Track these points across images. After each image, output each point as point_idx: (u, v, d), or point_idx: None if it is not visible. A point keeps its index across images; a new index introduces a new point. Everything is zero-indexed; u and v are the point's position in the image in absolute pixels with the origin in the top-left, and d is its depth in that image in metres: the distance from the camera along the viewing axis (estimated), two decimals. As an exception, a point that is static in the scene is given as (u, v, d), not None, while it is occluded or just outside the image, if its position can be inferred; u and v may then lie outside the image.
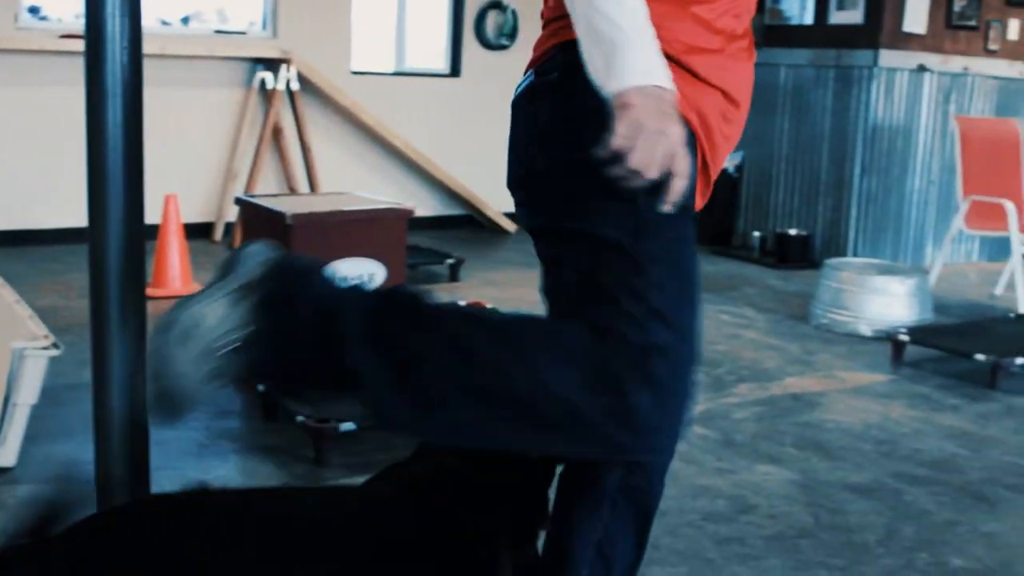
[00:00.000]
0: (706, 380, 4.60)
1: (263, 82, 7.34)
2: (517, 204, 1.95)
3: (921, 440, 3.99)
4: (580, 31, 1.65)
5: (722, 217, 8.06)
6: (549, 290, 1.92)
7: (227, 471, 3.39)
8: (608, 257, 1.74)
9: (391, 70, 8.24)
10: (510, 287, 6.28)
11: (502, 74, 8.41)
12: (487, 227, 8.36)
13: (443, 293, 5.97)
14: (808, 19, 7.63)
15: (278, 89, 7.27)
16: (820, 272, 5.76)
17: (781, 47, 7.74)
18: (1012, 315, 5.75)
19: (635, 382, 1.73)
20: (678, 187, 1.62)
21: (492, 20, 8.35)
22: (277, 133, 7.40)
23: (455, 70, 8.38)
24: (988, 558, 3.04)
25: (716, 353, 5.03)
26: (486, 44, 8.36)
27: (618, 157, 1.58)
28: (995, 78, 7.88)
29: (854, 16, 7.32)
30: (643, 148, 1.57)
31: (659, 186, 1.62)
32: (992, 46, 7.84)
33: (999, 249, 7.90)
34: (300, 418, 3.48)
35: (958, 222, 6.52)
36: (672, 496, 3.32)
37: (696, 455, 3.71)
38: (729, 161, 7.90)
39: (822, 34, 7.53)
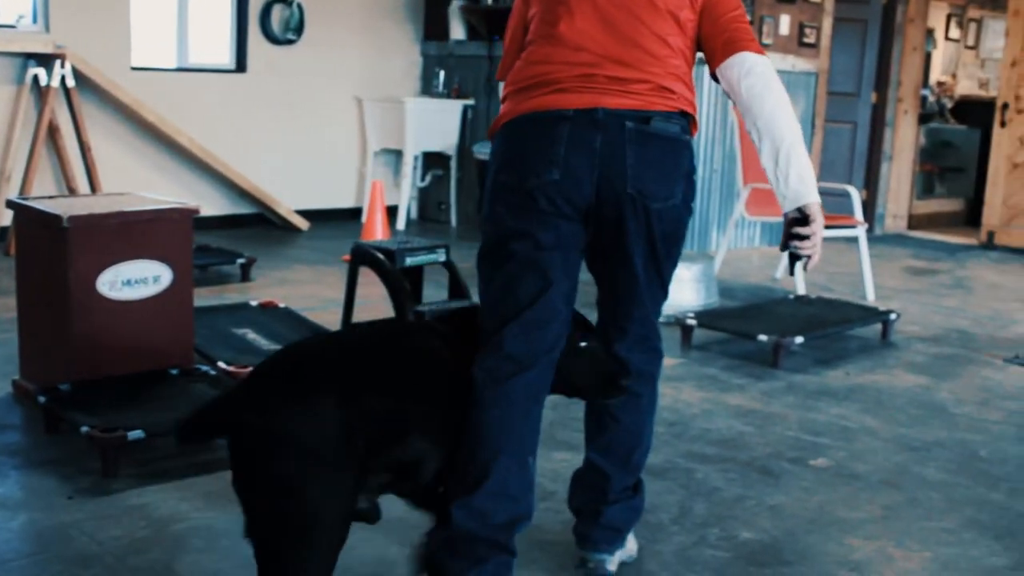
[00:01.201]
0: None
1: (36, 78, 7.00)
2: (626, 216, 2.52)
3: (710, 420, 4.13)
4: (789, 165, 2.47)
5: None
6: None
7: (7, 488, 3.21)
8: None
9: (173, 66, 7.98)
10: (303, 285, 6.18)
11: (289, 69, 8.28)
12: (279, 225, 8.21)
13: (234, 294, 5.83)
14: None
15: (52, 86, 6.94)
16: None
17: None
18: (791, 297, 6.02)
19: None
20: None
21: (278, 14, 8.19)
22: (54, 132, 7.07)
23: (240, 66, 8.19)
24: (774, 529, 3.17)
25: (512, 344, 5.07)
26: (272, 39, 8.20)
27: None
28: (769, 70, 8.19)
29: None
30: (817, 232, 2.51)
31: None
32: (766, 40, 8.17)
33: (779, 234, 8.25)
34: (85, 428, 3.33)
35: (739, 209, 6.78)
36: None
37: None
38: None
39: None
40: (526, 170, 2.48)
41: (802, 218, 2.50)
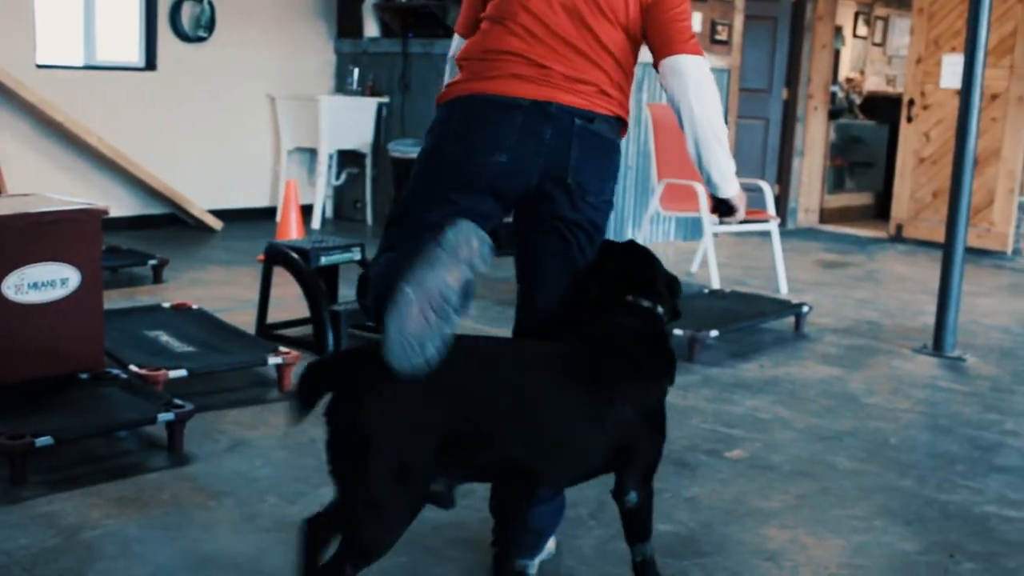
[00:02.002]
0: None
1: (-64, 78, 6.82)
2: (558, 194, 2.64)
3: (627, 414, 4.14)
4: (710, 165, 2.72)
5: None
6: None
7: (-91, 498, 3.12)
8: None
9: (81, 63, 7.82)
10: (217, 286, 6.10)
11: (200, 67, 8.16)
12: (192, 225, 8.09)
13: (146, 296, 5.73)
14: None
15: (-46, 85, 6.77)
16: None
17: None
18: (706, 291, 6.08)
19: None
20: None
21: (188, 11, 8.06)
22: (-45, 132, 6.90)
23: (151, 63, 8.05)
24: (691, 521, 3.20)
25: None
26: (182, 36, 8.07)
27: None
28: (682, 67, 8.27)
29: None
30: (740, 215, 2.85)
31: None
32: (678, 36, 8.23)
33: (693, 229, 8.35)
34: (-10, 435, 3.25)
35: (654, 204, 6.83)
36: (389, 487, 3.32)
37: (412, 444, 3.71)
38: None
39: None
40: (474, 149, 2.58)
41: (726, 206, 2.85)
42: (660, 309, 2.65)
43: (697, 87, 2.64)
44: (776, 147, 9.83)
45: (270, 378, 4.32)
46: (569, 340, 2.57)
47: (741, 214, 2.87)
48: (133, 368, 4.00)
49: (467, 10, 2.85)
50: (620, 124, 2.73)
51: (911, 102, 9.16)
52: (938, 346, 5.36)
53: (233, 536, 2.96)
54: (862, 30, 12.33)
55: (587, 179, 2.64)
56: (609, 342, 2.55)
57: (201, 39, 8.15)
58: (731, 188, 2.79)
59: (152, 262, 6.23)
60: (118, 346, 4.23)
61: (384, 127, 8.68)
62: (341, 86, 8.90)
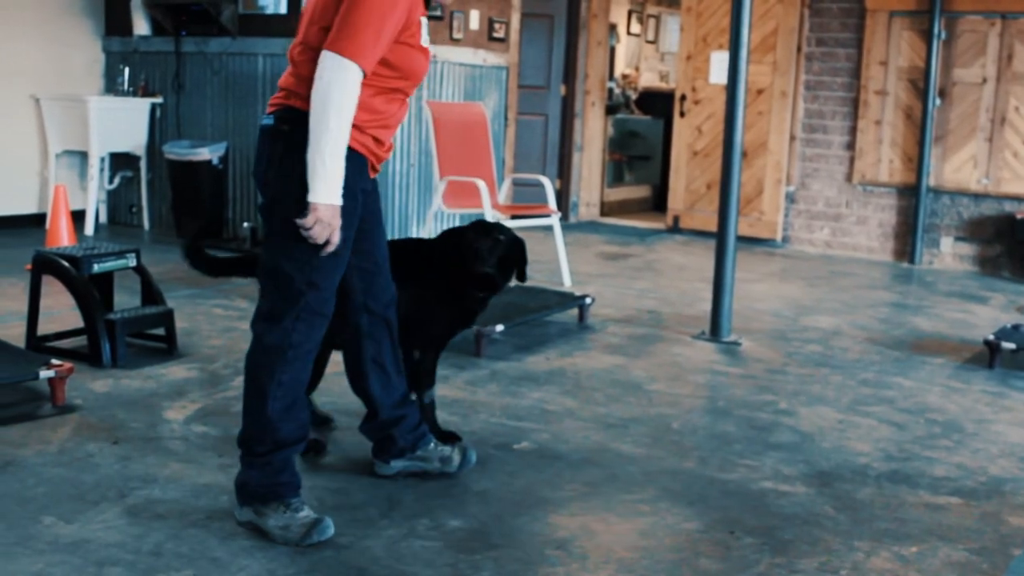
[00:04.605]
0: (201, 376, 4.50)
1: None
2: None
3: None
4: (309, 155, 2.85)
5: (211, 211, 7.91)
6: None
7: None
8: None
9: None
10: (-17, 298, 5.79)
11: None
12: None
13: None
14: (283, 8, 7.67)
15: None
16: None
17: (258, 36, 7.72)
18: (492, 286, 6.12)
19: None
20: (330, 244, 2.94)
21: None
22: None
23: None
24: (482, 514, 3.21)
25: (211, 348, 4.93)
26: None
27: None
28: (462, 65, 8.35)
29: (326, 5, 7.43)
30: (318, 232, 2.88)
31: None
32: (457, 35, 8.29)
33: (477, 225, 8.38)
34: None
35: (437, 201, 6.85)
36: (173, 499, 3.21)
37: (195, 454, 3.61)
38: (212, 152, 7.76)
39: (296, 23, 7.57)
40: None
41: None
42: None
43: (320, 85, 2.85)
44: (556, 143, 10.00)
45: (42, 392, 4.12)
46: None
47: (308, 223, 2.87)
48: None
49: None
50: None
51: (683, 97, 9.48)
52: (715, 332, 5.56)
53: (7, 561, 2.80)
54: (636, 28, 12.70)
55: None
56: None
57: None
58: (314, 193, 2.85)
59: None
60: None
61: (159, 128, 8.40)
62: (111, 86, 8.57)
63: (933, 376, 5.04)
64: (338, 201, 2.89)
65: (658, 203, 11.09)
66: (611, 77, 11.53)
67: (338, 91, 2.81)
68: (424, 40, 3.07)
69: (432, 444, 3.49)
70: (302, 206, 2.87)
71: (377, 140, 3.08)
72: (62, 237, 6.53)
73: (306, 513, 3.00)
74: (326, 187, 2.84)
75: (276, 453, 3.02)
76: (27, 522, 3.03)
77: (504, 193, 7.46)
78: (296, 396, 3.04)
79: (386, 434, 3.41)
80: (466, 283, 3.67)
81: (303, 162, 2.87)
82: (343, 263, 3.07)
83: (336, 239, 2.93)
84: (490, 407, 4.27)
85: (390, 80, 3.01)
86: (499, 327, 5.08)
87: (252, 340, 3.04)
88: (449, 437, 3.69)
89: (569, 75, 9.96)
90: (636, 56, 12.80)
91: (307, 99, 2.88)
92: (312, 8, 3.01)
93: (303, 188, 2.86)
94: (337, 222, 2.90)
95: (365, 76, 2.88)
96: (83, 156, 8.26)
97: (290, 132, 2.94)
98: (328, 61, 2.83)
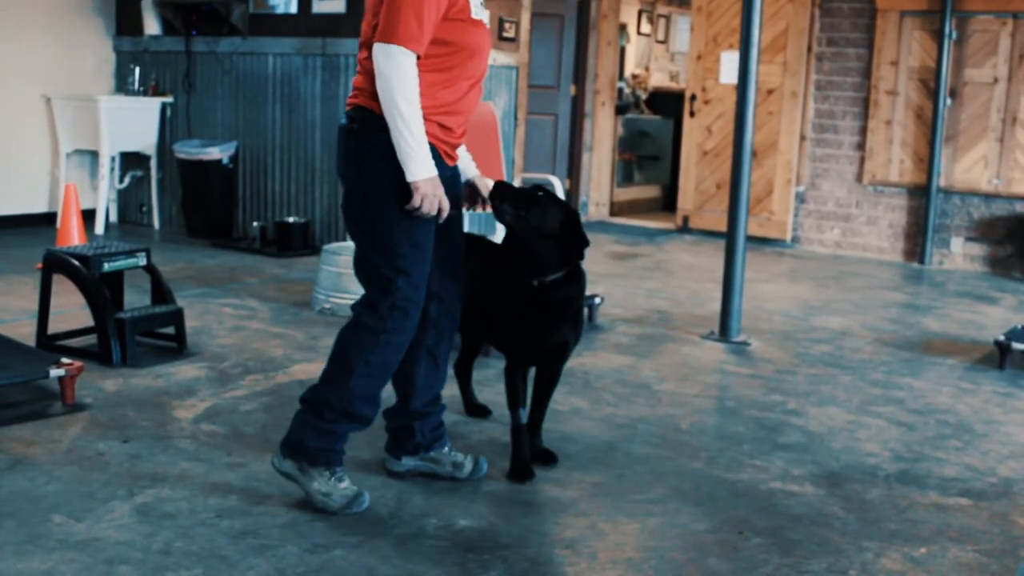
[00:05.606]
0: (211, 375, 4.51)
1: None
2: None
3: (425, 411, 4.13)
4: (393, 139, 3.01)
5: (220, 210, 7.93)
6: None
7: None
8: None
9: None
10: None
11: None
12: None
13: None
14: (293, 8, 7.68)
15: None
16: (320, 258, 5.82)
17: (268, 36, 7.74)
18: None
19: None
20: (443, 213, 3.11)
21: (-48, 8, 7.64)
22: None
23: (-88, 63, 7.59)
24: (491, 515, 3.22)
25: (221, 347, 4.94)
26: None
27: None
28: (471, 64, 8.32)
29: (337, 5, 7.46)
30: (427, 206, 3.05)
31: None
32: (467, 34, 8.28)
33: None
34: None
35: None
36: (183, 498, 3.22)
37: (205, 453, 3.62)
38: (222, 152, 7.78)
39: (307, 23, 7.61)
40: None
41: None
42: None
43: (379, 77, 2.98)
44: (566, 142, 10.00)
45: (53, 391, 4.13)
46: None
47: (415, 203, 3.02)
48: (-101, 387, 3.75)
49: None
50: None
51: (693, 97, 9.47)
52: (724, 332, 5.55)
53: (17, 560, 2.81)
54: (646, 28, 12.69)
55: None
56: None
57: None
58: (409, 172, 3.00)
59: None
60: None
61: (169, 128, 8.42)
62: (122, 86, 8.59)
63: (943, 377, 5.03)
64: (433, 172, 3.03)
65: (668, 203, 11.07)
66: (621, 77, 11.52)
67: (393, 75, 2.94)
68: (475, 12, 3.12)
69: (446, 448, 3.50)
70: (396, 192, 3.03)
71: (443, 127, 3.15)
72: (72, 236, 6.55)
73: (347, 484, 3.17)
74: (417, 163, 2.99)
75: (344, 424, 3.16)
76: (37, 520, 3.05)
77: (514, 193, 7.44)
78: (381, 380, 3.19)
79: (407, 424, 3.42)
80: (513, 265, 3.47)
81: (375, 159, 3.05)
82: (429, 249, 3.17)
83: (447, 205, 3.08)
84: (500, 406, 4.26)
85: (447, 59, 3.09)
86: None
87: (351, 318, 3.18)
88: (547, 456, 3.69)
89: (579, 75, 9.95)
90: (646, 56, 12.79)
91: (371, 95, 3.04)
92: (368, 9, 3.12)
93: (379, 180, 3.05)
94: (440, 191, 3.05)
95: (419, 58, 3.00)
96: (94, 155, 8.28)
97: (359, 129, 3.10)
98: (377, 52, 2.97)
